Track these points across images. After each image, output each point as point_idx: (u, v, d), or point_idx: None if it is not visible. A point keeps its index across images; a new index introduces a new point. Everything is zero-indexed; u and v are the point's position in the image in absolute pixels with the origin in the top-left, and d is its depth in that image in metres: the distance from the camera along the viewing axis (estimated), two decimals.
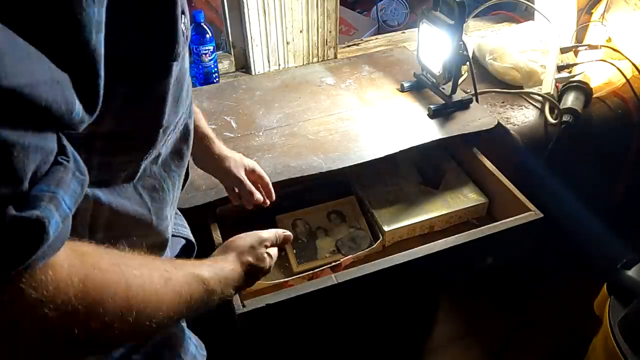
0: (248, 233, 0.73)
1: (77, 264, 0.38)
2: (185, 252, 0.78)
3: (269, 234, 0.75)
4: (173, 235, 0.72)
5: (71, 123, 0.34)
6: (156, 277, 0.46)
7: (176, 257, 0.72)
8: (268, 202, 0.97)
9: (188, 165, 0.68)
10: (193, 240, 0.79)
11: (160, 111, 0.48)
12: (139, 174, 0.54)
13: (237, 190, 0.93)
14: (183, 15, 0.44)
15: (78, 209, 0.37)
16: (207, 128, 0.87)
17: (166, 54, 0.45)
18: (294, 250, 1.11)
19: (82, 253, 0.39)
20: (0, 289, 0.32)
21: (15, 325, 0.34)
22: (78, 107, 0.34)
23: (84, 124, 0.36)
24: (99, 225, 0.51)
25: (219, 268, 0.60)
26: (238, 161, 0.91)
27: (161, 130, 0.50)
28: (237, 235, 0.72)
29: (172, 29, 0.43)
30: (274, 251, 0.75)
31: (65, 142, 0.36)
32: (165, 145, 0.57)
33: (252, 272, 0.69)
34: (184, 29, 0.45)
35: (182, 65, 0.51)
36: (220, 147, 0.89)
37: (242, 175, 0.91)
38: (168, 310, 0.47)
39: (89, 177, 0.38)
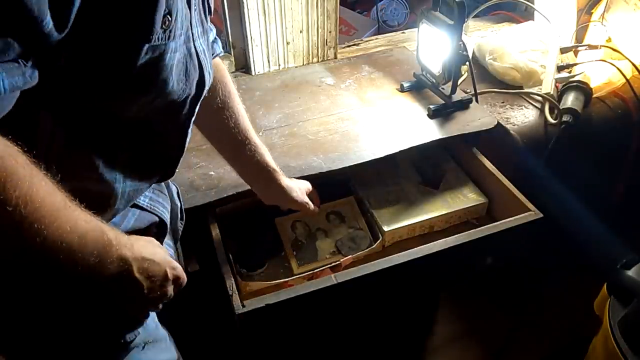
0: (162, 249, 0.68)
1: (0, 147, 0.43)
2: (157, 232, 0.77)
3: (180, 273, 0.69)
4: (145, 210, 0.73)
5: (40, 31, 0.40)
6: (59, 198, 0.49)
7: (145, 233, 0.70)
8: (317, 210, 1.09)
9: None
10: (166, 220, 0.77)
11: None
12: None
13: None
14: None
15: (38, 125, 0.45)
16: (272, 161, 0.96)
17: (138, 36, 0.50)
18: (294, 252, 1.10)
19: (7, 144, 0.44)
20: None
21: None
22: (48, 19, 0.39)
23: (52, 39, 0.41)
24: (53, 152, 0.54)
25: (127, 241, 0.59)
26: (302, 188, 1.04)
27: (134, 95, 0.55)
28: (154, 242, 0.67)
29: (148, 12, 0.49)
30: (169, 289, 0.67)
31: (33, 53, 0.42)
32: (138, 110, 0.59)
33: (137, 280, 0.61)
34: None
35: (180, 46, 0.56)
36: (284, 178, 0.99)
37: (307, 199, 1.04)
38: (59, 229, 0.48)
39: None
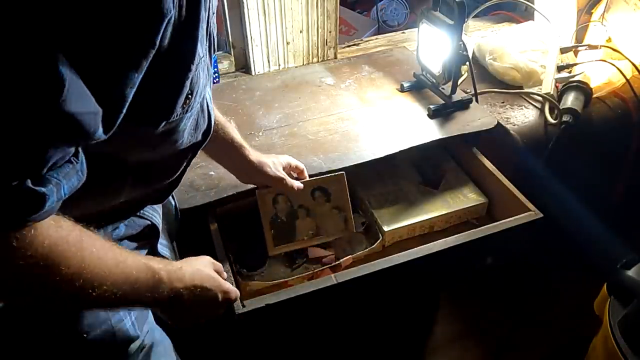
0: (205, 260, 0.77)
1: (52, 233, 0.49)
2: (148, 235, 0.79)
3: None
4: (136, 216, 0.76)
5: (90, 140, 0.47)
6: (110, 259, 0.56)
7: (137, 237, 0.75)
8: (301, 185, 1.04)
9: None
10: (157, 223, 0.80)
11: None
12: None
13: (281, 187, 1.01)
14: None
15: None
16: (238, 137, 0.93)
17: (159, 116, 0.54)
18: (272, 231, 1.07)
19: (59, 226, 0.51)
20: (7, 234, 0.45)
21: (8, 260, 0.47)
22: (100, 130, 0.46)
23: (99, 139, 0.48)
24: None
25: (171, 264, 0.67)
26: (276, 162, 0.99)
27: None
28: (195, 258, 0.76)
29: (172, 99, 0.53)
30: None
31: (80, 148, 0.49)
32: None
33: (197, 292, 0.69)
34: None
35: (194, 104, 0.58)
36: (254, 153, 0.96)
37: (283, 174, 1.00)
38: (112, 285, 0.56)
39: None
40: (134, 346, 0.74)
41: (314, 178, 1.08)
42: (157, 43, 0.45)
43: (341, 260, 1.06)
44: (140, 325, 0.75)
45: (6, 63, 0.39)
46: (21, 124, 0.41)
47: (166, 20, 0.45)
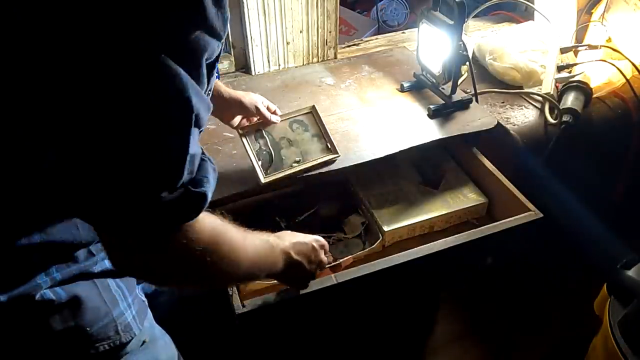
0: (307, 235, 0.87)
1: (208, 222, 0.60)
2: None
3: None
4: None
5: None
6: (240, 235, 0.67)
7: None
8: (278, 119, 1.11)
9: None
10: None
11: None
12: None
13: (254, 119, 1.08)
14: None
15: None
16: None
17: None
18: (259, 162, 1.07)
19: (208, 215, 0.60)
20: (180, 234, 0.56)
21: (184, 254, 0.58)
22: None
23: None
24: None
25: (279, 239, 0.79)
26: (252, 97, 1.06)
27: None
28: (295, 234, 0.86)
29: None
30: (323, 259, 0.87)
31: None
32: None
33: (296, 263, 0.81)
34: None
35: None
36: (227, 89, 1.03)
37: (260, 106, 1.06)
38: (248, 257, 0.68)
39: None
40: (135, 341, 0.74)
41: (287, 114, 1.13)
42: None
43: (341, 260, 1.06)
44: (141, 320, 0.76)
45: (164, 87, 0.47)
46: (177, 139, 0.51)
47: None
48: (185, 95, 0.48)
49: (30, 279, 0.63)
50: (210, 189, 0.56)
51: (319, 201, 1.22)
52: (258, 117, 1.07)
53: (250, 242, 0.69)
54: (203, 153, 0.57)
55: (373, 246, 1.10)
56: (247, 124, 1.09)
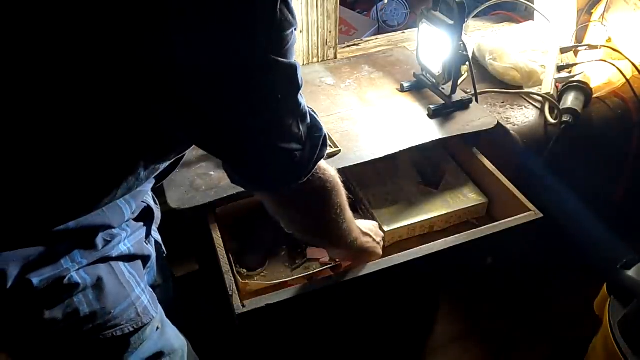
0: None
1: (329, 167, 0.76)
2: (144, 217, 0.84)
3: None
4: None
5: None
6: (345, 199, 0.81)
7: (137, 218, 0.81)
8: None
9: None
10: (152, 205, 0.87)
11: None
12: None
13: None
14: None
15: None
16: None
17: None
18: None
19: (329, 168, 0.76)
20: (317, 168, 0.70)
21: (318, 184, 0.73)
22: None
23: None
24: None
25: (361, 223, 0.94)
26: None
27: None
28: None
29: None
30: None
31: None
32: None
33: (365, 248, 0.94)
34: None
35: None
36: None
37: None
38: (348, 218, 0.84)
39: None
40: (151, 326, 0.77)
41: None
42: None
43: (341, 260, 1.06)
44: (155, 305, 0.78)
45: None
46: (298, 111, 0.64)
47: None
48: (296, 77, 0.62)
49: (59, 264, 0.65)
50: (324, 130, 0.69)
51: None
52: None
53: (348, 207, 0.83)
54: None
55: None
56: None
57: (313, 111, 0.69)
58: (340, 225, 0.82)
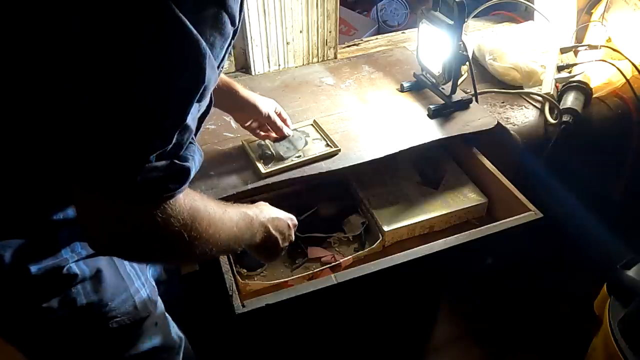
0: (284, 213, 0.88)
1: (189, 198, 0.60)
2: None
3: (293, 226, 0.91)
4: None
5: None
6: (219, 210, 0.67)
7: None
8: (291, 132, 1.15)
9: None
10: None
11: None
12: None
13: (266, 125, 1.10)
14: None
15: None
16: (228, 78, 1.01)
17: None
18: (261, 160, 1.09)
19: (189, 192, 0.61)
20: (159, 205, 0.55)
21: (162, 230, 0.57)
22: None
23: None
24: None
25: (251, 207, 0.79)
26: (267, 102, 1.07)
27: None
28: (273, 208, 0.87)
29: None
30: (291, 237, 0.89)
31: None
32: None
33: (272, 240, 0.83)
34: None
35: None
36: (245, 90, 1.03)
37: (272, 113, 1.08)
38: (226, 231, 0.68)
39: None
40: (150, 320, 0.77)
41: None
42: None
43: (341, 260, 1.06)
44: (154, 300, 0.79)
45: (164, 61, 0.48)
46: (178, 104, 0.52)
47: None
48: (202, 63, 0.50)
49: (58, 254, 0.66)
50: (194, 167, 0.58)
51: (319, 201, 1.22)
52: (268, 125, 1.10)
53: (229, 216, 0.70)
54: (194, 136, 0.59)
55: (373, 246, 1.10)
56: (255, 126, 1.11)
57: (198, 149, 0.60)
58: (214, 248, 0.67)
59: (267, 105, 1.07)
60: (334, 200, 1.23)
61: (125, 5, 0.45)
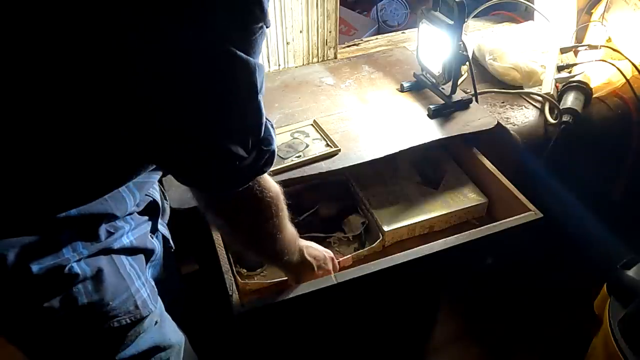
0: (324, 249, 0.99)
1: (271, 179, 0.74)
2: (150, 212, 0.84)
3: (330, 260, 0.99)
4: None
5: None
6: (286, 211, 0.80)
7: (142, 212, 0.83)
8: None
9: None
10: (158, 200, 0.87)
11: None
12: None
13: None
14: None
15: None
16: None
17: None
18: None
19: (274, 184, 0.76)
20: (256, 182, 0.69)
21: (253, 198, 0.71)
22: None
23: None
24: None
25: (302, 242, 0.92)
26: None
27: None
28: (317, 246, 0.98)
29: None
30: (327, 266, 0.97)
31: None
32: None
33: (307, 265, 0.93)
34: None
35: None
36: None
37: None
38: (286, 233, 0.81)
39: None
40: (150, 319, 0.77)
41: (290, 126, 1.22)
42: None
43: (341, 259, 1.06)
44: (155, 299, 0.79)
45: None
46: (255, 107, 0.61)
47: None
48: (254, 77, 0.57)
49: (60, 254, 0.66)
50: (275, 145, 0.67)
51: (319, 201, 1.22)
52: None
53: (289, 222, 0.83)
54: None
55: (373, 245, 1.10)
56: None
57: (271, 125, 0.67)
58: (275, 242, 0.80)
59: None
60: (334, 200, 1.23)
61: (194, 57, 0.52)
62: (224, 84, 0.55)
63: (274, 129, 0.68)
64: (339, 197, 1.24)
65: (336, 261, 1.00)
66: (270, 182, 0.74)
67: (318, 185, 1.22)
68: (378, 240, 1.11)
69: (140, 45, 0.49)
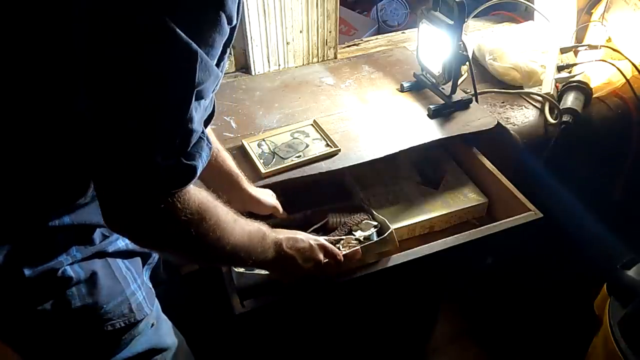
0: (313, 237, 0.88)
1: (197, 194, 0.62)
2: None
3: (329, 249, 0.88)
4: None
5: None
6: (230, 217, 0.69)
7: None
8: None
9: None
10: None
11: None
12: None
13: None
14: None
15: None
16: (237, 170, 0.99)
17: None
18: (261, 160, 1.10)
19: (199, 190, 0.63)
20: (168, 200, 0.58)
21: (169, 219, 0.60)
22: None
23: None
24: None
25: (274, 231, 0.80)
26: (268, 199, 1.05)
27: None
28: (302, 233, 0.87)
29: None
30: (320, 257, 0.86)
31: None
32: None
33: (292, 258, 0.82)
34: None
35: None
36: (250, 186, 1.02)
37: (276, 203, 1.06)
38: (236, 238, 0.69)
39: None
40: (145, 322, 0.77)
41: (290, 126, 1.21)
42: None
43: (349, 251, 1.02)
44: (151, 302, 0.78)
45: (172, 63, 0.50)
46: (175, 108, 0.53)
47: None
48: (192, 67, 0.51)
49: (53, 257, 0.66)
50: (201, 164, 0.60)
51: (319, 202, 1.22)
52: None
53: (241, 225, 0.71)
54: (203, 132, 0.60)
55: (379, 239, 1.05)
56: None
57: (208, 145, 0.61)
58: (233, 250, 0.69)
59: (267, 202, 1.05)
60: (343, 209, 1.21)
61: (123, 19, 0.47)
62: (155, 64, 0.49)
63: (210, 149, 0.61)
64: (339, 197, 1.23)
65: (334, 248, 0.89)
66: (199, 195, 0.63)
67: (318, 185, 1.22)
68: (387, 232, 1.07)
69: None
